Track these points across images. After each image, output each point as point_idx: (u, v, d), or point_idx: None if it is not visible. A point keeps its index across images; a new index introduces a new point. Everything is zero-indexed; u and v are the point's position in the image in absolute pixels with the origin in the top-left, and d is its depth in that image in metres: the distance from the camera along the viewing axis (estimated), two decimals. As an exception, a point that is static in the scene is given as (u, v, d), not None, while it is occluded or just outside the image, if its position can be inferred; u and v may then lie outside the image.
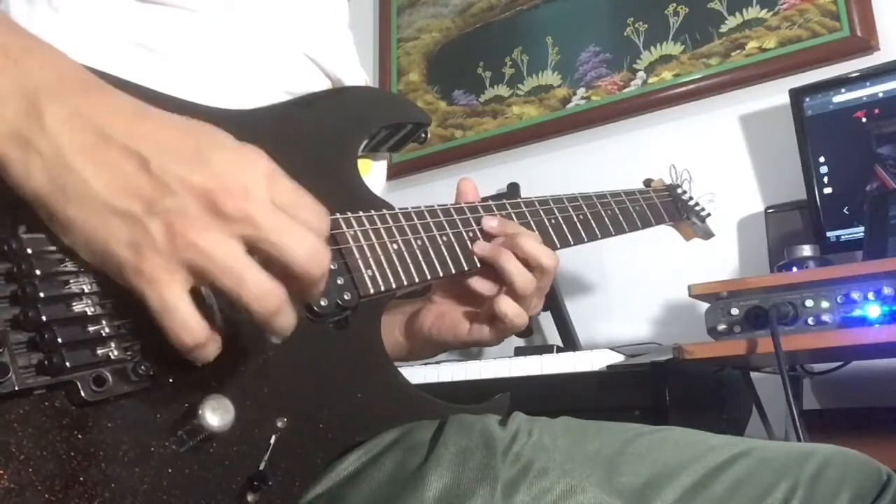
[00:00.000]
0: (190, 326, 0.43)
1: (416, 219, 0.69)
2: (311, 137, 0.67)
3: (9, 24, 0.46)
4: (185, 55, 0.63)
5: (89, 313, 0.45)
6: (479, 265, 0.73)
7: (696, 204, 1.21)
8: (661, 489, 0.55)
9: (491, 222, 0.74)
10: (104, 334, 0.45)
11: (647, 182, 1.14)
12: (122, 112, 0.45)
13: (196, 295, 0.44)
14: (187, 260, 0.42)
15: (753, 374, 1.26)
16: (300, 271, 0.45)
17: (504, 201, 0.79)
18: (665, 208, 1.06)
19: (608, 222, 0.90)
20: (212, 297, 0.46)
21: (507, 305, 0.72)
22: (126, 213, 0.42)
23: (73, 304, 0.44)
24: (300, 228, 0.45)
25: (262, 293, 0.44)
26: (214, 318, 0.46)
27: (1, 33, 0.45)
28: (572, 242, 0.84)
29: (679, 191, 1.16)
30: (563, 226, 0.83)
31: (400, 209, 0.69)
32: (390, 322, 0.81)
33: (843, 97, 1.38)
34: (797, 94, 1.42)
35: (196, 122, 0.47)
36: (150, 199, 0.42)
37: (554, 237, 0.82)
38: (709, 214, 1.24)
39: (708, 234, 1.26)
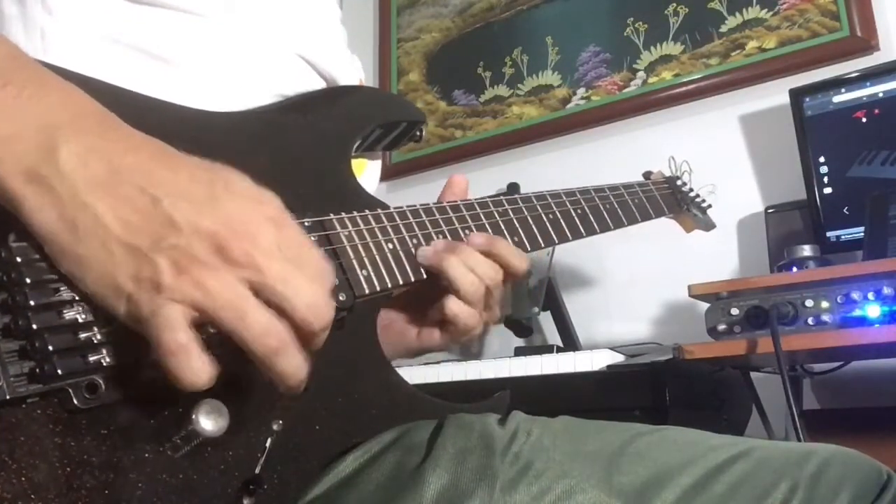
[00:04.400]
0: (196, 367, 0.42)
1: (410, 217, 0.68)
2: (304, 138, 0.66)
3: (21, 57, 0.46)
4: (181, 58, 0.62)
5: (80, 320, 0.44)
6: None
7: (697, 195, 1.20)
8: (660, 489, 0.55)
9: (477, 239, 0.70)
10: (96, 341, 0.45)
11: (647, 175, 1.13)
12: (137, 150, 0.45)
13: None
14: (191, 298, 0.42)
15: (753, 374, 1.25)
16: (300, 320, 0.45)
17: (501, 197, 0.78)
18: (665, 200, 1.05)
19: (607, 216, 0.88)
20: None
21: (456, 306, 0.68)
22: (133, 248, 0.42)
23: (64, 311, 0.44)
24: (304, 279, 0.46)
25: (263, 330, 0.44)
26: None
27: (14, 67, 0.44)
28: (570, 238, 0.83)
29: (679, 182, 1.15)
30: (561, 221, 0.82)
31: (394, 208, 0.68)
32: None
33: (843, 97, 1.38)
34: (797, 94, 1.42)
35: (211, 164, 0.47)
36: (158, 236, 0.42)
37: (552, 233, 0.80)
38: (710, 206, 1.23)
39: (709, 226, 1.25)
